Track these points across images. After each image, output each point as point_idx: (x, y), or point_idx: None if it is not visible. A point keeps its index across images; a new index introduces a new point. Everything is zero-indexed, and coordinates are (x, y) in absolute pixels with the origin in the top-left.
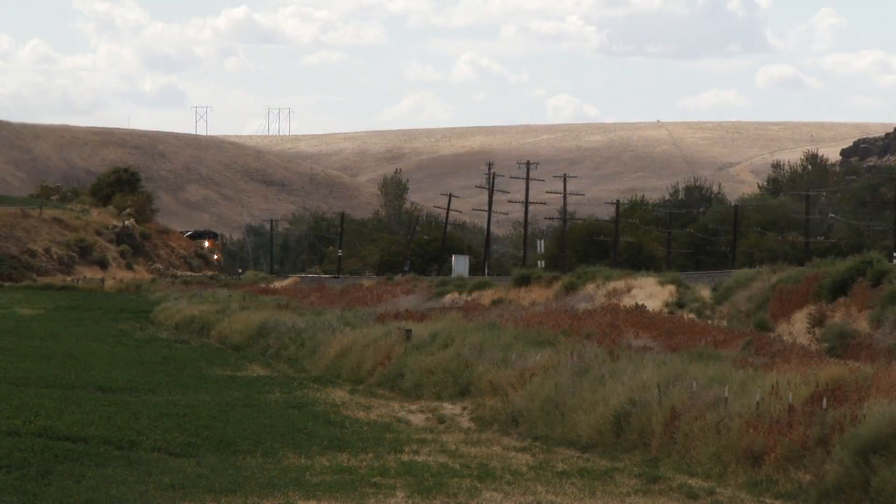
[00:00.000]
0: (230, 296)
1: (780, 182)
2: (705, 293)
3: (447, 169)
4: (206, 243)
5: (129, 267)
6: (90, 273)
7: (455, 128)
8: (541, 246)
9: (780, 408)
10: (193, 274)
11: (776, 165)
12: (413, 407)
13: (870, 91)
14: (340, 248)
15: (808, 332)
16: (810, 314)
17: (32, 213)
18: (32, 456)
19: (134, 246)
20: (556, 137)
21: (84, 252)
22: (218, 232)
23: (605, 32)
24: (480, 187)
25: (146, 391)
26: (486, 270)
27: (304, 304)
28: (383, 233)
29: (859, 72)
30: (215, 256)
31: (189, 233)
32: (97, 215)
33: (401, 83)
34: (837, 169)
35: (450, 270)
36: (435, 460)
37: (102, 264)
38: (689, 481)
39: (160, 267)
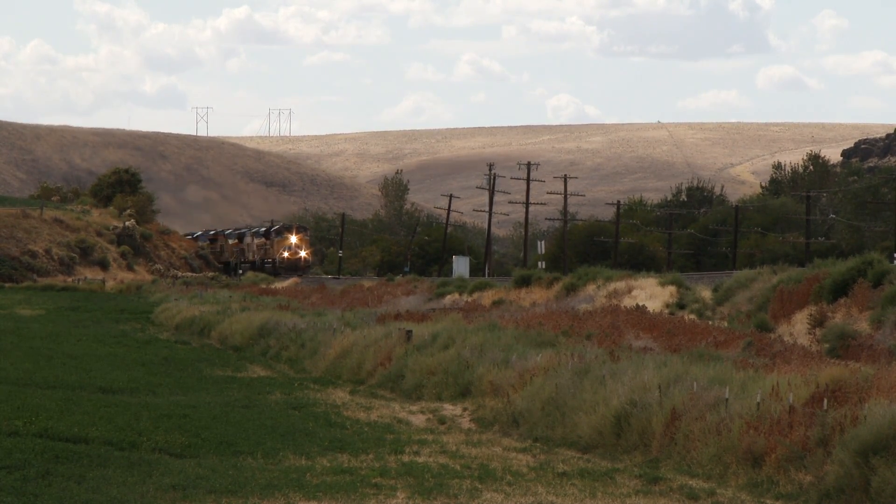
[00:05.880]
0: (231, 297)
1: (781, 183)
2: (706, 294)
3: (448, 170)
4: (294, 238)
5: (129, 268)
6: (91, 274)
7: (456, 128)
8: (541, 247)
9: (781, 409)
10: (194, 275)
11: (777, 166)
12: (413, 408)
13: (871, 92)
14: (341, 249)
15: (809, 333)
16: (811, 315)
17: (33, 214)
18: (33, 457)
19: (134, 247)
20: (556, 138)
21: (85, 253)
22: (305, 225)
23: (606, 33)
24: (481, 188)
25: (147, 392)
26: (487, 271)
27: (305, 305)
28: (384, 233)
29: (860, 72)
30: (303, 254)
31: (277, 226)
32: (98, 216)
33: (401, 84)
34: (838, 170)
35: (450, 271)
36: (436, 461)
37: (103, 265)
38: (690, 482)
39: (161, 268)
